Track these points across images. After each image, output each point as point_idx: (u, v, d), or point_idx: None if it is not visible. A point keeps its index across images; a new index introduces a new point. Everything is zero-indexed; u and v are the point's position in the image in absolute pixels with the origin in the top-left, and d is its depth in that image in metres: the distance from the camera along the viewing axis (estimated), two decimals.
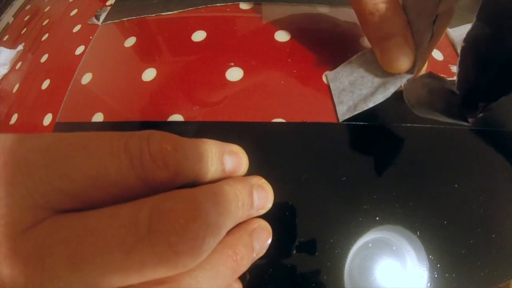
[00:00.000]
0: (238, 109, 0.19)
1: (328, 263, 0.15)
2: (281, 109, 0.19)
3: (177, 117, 0.19)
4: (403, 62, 0.17)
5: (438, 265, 0.15)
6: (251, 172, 0.17)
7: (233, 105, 0.19)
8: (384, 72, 0.18)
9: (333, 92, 0.19)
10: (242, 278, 0.15)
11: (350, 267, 0.15)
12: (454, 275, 0.15)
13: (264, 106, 0.19)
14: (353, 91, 0.18)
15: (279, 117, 0.19)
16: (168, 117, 0.19)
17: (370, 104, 0.17)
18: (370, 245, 0.16)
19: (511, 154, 0.19)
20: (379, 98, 0.17)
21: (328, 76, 0.20)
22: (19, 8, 0.42)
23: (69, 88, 0.23)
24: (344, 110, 0.18)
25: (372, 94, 0.18)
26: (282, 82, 0.20)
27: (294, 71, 0.20)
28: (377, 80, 0.18)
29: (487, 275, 0.16)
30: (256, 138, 0.18)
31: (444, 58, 0.22)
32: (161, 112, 0.20)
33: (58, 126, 0.21)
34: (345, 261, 0.15)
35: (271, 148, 0.18)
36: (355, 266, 0.15)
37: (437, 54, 0.22)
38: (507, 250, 0.16)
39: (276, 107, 0.19)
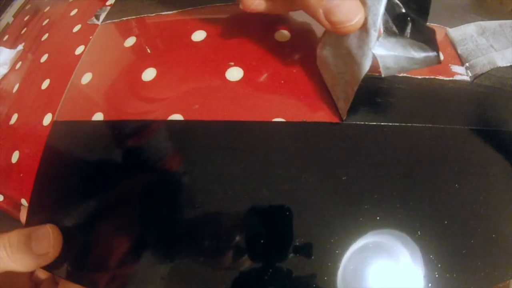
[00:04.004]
0: (238, 108, 0.19)
1: (329, 264, 0.15)
2: (281, 109, 0.19)
3: (177, 117, 0.19)
4: (357, 13, 0.15)
5: (439, 265, 0.15)
6: (253, 172, 0.17)
7: (233, 104, 0.19)
8: (351, 50, 0.17)
9: (330, 90, 0.19)
10: (241, 277, 0.15)
11: (351, 268, 0.15)
12: (455, 275, 0.15)
13: (264, 106, 0.19)
14: (338, 83, 0.18)
15: (279, 117, 0.18)
16: (168, 117, 0.19)
17: (355, 88, 0.17)
18: (370, 245, 0.16)
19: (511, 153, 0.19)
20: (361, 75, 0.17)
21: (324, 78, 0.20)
22: (19, 8, 0.42)
23: (67, 87, 0.23)
24: (342, 105, 0.18)
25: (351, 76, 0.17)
26: (282, 81, 0.20)
27: (294, 70, 0.20)
28: (347, 61, 0.17)
29: (488, 275, 0.15)
30: (255, 138, 0.18)
31: (444, 58, 0.22)
32: (161, 111, 0.20)
33: (56, 125, 0.21)
34: (346, 261, 0.15)
35: (271, 148, 0.18)
36: (356, 267, 0.15)
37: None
38: (507, 250, 0.16)
39: (276, 107, 0.19)
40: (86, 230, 0.18)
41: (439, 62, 0.16)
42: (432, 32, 0.16)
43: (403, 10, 0.17)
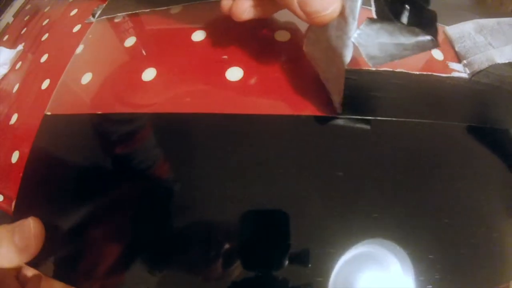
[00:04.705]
0: (238, 108, 0.19)
1: (324, 266, 0.15)
2: (281, 108, 0.19)
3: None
4: (333, 2, 0.14)
5: (439, 266, 0.15)
6: (246, 165, 0.17)
7: (233, 104, 0.19)
8: (332, 43, 0.16)
9: (325, 85, 0.19)
10: (235, 284, 0.15)
11: (348, 269, 0.15)
12: (455, 276, 0.15)
13: (264, 105, 0.19)
14: (329, 78, 0.18)
15: (285, 112, 0.18)
16: None
17: (343, 81, 0.16)
18: (367, 243, 0.15)
19: (510, 152, 0.18)
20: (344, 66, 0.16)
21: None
22: (19, 8, 0.42)
23: (58, 84, 0.23)
24: (337, 98, 0.18)
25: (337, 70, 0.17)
26: (282, 80, 0.20)
27: (295, 70, 0.20)
28: (330, 54, 0.17)
29: (488, 276, 0.15)
30: (249, 131, 0.18)
31: (444, 58, 0.22)
32: (161, 111, 0.20)
33: (47, 119, 0.21)
34: (337, 272, 0.15)
35: (264, 141, 0.18)
36: (352, 266, 0.15)
37: (437, 54, 0.22)
38: (508, 251, 0.16)
39: (276, 106, 0.19)
40: (74, 233, 0.18)
41: (436, 46, 0.15)
42: (432, 15, 0.15)
43: None
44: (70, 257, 0.17)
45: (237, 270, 0.15)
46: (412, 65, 0.21)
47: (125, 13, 0.26)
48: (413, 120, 0.18)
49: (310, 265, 0.15)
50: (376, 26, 0.15)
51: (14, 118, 0.25)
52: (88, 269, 0.17)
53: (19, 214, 0.19)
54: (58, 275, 0.17)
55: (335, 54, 0.16)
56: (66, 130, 0.21)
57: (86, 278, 0.17)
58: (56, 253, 0.17)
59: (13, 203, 0.20)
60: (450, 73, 0.21)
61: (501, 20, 0.22)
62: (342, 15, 0.14)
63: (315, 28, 0.17)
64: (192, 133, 0.18)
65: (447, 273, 0.15)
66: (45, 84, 0.25)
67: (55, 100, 0.22)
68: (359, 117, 0.18)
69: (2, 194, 0.23)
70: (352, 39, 0.15)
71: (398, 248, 0.15)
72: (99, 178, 0.18)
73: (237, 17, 0.18)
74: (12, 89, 0.28)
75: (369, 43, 0.15)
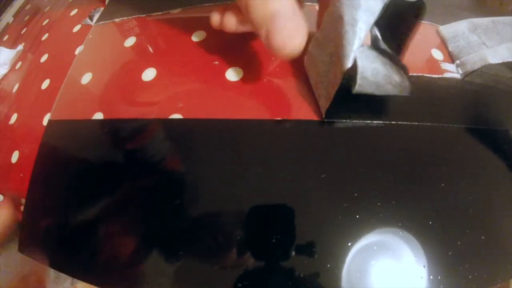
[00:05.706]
0: (238, 108, 0.19)
1: (335, 255, 0.15)
2: (282, 108, 0.19)
3: (176, 116, 0.19)
4: (300, 38, 0.15)
5: (424, 266, 0.15)
6: (251, 165, 0.17)
7: (233, 104, 0.19)
8: (338, 49, 0.16)
9: (313, 88, 0.19)
10: (244, 275, 0.15)
11: (361, 257, 0.15)
12: (439, 278, 0.15)
13: (264, 106, 0.19)
14: (322, 81, 0.18)
15: (279, 116, 0.19)
16: (168, 117, 0.19)
17: (336, 88, 0.17)
18: (349, 244, 0.15)
19: (504, 153, 0.18)
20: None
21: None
22: (19, 8, 0.42)
23: (62, 87, 0.23)
24: (323, 103, 0.18)
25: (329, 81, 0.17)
26: (282, 81, 0.20)
27: (295, 70, 0.20)
28: (334, 60, 0.17)
29: (476, 278, 0.15)
30: (233, 136, 0.18)
31: (435, 56, 0.22)
32: (161, 111, 0.20)
33: (51, 124, 0.21)
34: (350, 260, 0.15)
35: (250, 146, 0.18)
36: (365, 255, 0.15)
37: (437, 54, 0.22)
38: (498, 253, 0.16)
39: (276, 106, 0.19)
40: (91, 228, 0.18)
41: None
42: (405, 67, 0.16)
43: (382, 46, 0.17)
44: (88, 251, 0.17)
45: (250, 259, 0.15)
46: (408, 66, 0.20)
47: (123, 18, 0.26)
48: (400, 123, 0.18)
49: (317, 255, 0.15)
50: (374, 53, 0.16)
51: (13, 118, 0.25)
52: (107, 262, 0.17)
53: (31, 212, 0.19)
54: (76, 271, 0.17)
55: (339, 60, 0.16)
56: (72, 133, 0.21)
57: (105, 271, 0.17)
58: (74, 249, 0.18)
59: (23, 203, 0.20)
60: (442, 74, 0.21)
61: (495, 19, 0.22)
62: (353, 27, 0.15)
63: (326, 31, 0.17)
64: (197, 136, 0.19)
65: (431, 274, 0.15)
66: (45, 84, 0.25)
67: (59, 103, 0.22)
68: (344, 120, 0.18)
69: (2, 194, 0.24)
70: (355, 52, 0.15)
71: (395, 237, 0.15)
72: (110, 177, 0.19)
73: (228, 29, 0.19)
74: (12, 89, 0.28)
75: (366, 63, 0.16)
